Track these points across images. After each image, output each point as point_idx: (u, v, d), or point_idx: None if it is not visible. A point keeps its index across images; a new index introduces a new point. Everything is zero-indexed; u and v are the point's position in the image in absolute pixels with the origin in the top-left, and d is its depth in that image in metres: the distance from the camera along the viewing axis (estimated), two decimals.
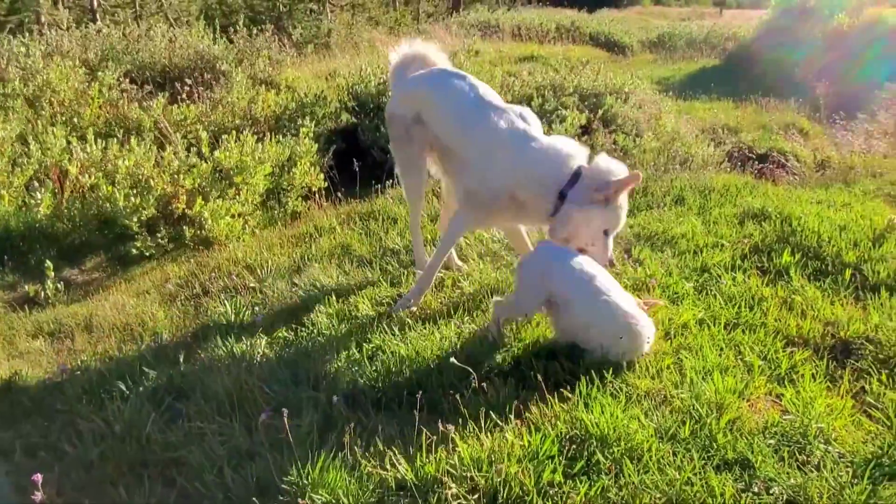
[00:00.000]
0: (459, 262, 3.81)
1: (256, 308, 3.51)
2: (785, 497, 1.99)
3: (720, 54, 13.92)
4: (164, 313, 3.64)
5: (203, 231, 4.66)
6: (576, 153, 3.11)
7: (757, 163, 6.29)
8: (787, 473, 2.06)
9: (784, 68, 10.63)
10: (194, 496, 2.12)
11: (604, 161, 3.08)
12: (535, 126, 3.25)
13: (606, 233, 3.08)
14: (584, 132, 6.23)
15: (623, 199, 3.06)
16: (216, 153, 4.98)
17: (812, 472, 2.07)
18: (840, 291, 3.35)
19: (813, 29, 11.66)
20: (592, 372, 2.57)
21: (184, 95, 6.99)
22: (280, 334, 3.18)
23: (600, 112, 6.45)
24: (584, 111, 6.36)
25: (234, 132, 5.30)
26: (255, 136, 5.43)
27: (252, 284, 3.82)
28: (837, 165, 6.03)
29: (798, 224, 4.08)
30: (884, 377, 2.59)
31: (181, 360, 2.89)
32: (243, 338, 3.09)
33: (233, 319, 3.32)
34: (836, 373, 2.69)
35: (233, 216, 4.83)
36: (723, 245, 3.99)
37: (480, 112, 3.23)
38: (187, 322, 3.50)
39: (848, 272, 3.48)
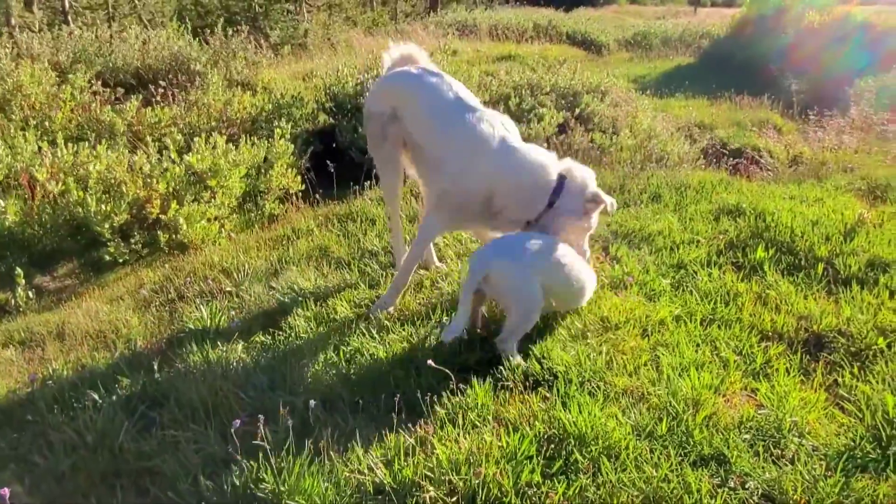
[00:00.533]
0: (438, 263, 3.80)
1: (233, 312, 3.46)
2: (760, 491, 2.01)
3: (695, 52, 14.06)
4: (138, 319, 3.58)
5: (178, 235, 4.60)
6: (552, 162, 3.15)
7: (731, 159, 6.36)
8: (763, 468, 2.08)
9: (757, 65, 10.77)
10: None
11: (578, 170, 3.16)
12: (514, 134, 3.27)
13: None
14: (562, 131, 6.25)
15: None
16: (187, 156, 4.91)
17: (787, 465, 2.09)
18: (813, 285, 3.40)
19: (785, 26, 11.83)
20: (571, 371, 2.57)
21: (158, 98, 6.89)
22: (257, 339, 3.14)
23: (577, 111, 6.47)
24: (561, 110, 6.39)
25: (205, 135, 5.23)
26: (231, 139, 5.37)
27: (228, 288, 3.77)
28: (810, 161, 6.12)
29: (772, 219, 4.13)
30: (855, 370, 2.63)
31: (155, 367, 2.84)
32: (219, 343, 3.05)
33: (209, 324, 3.27)
34: (809, 366, 2.72)
35: (208, 220, 4.77)
36: (699, 241, 4.03)
37: (458, 113, 3.21)
38: (162, 328, 3.44)
39: (820, 266, 3.53)
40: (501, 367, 2.66)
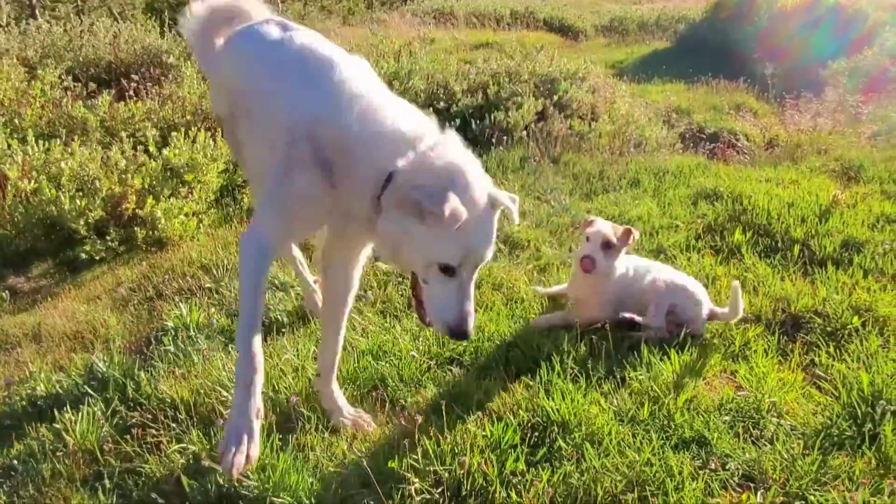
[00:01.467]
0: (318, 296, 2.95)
1: (213, 309, 3.42)
2: (741, 472, 2.04)
3: (671, 37, 14.08)
4: (116, 319, 3.52)
5: (156, 231, 4.52)
6: (418, 130, 1.98)
7: (708, 143, 6.41)
8: (743, 448, 2.11)
9: (733, 49, 10.81)
10: None
11: (446, 149, 1.94)
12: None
13: None
14: (540, 118, 6.25)
15: None
16: (165, 151, 4.83)
17: (766, 445, 2.13)
18: (789, 267, 3.45)
19: (759, 10, 11.90)
20: (553, 358, 2.59)
21: (131, 92, 6.75)
22: None
23: (555, 97, 6.46)
24: (539, 97, 6.37)
25: (183, 129, 5.15)
26: (208, 133, 5.29)
27: (208, 285, 3.73)
28: (785, 143, 6.18)
29: (748, 203, 4.18)
30: (831, 349, 2.68)
31: (135, 367, 2.80)
32: (200, 341, 3.02)
33: (188, 322, 3.23)
34: (787, 347, 2.77)
35: (186, 215, 4.70)
36: (677, 226, 4.07)
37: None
38: (141, 327, 3.39)
39: (797, 248, 3.58)
40: (484, 356, 2.66)
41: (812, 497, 1.89)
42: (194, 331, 3.13)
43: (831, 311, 2.93)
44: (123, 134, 5.29)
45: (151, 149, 4.81)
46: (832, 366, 2.56)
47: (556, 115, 6.27)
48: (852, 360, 2.56)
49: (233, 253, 4.17)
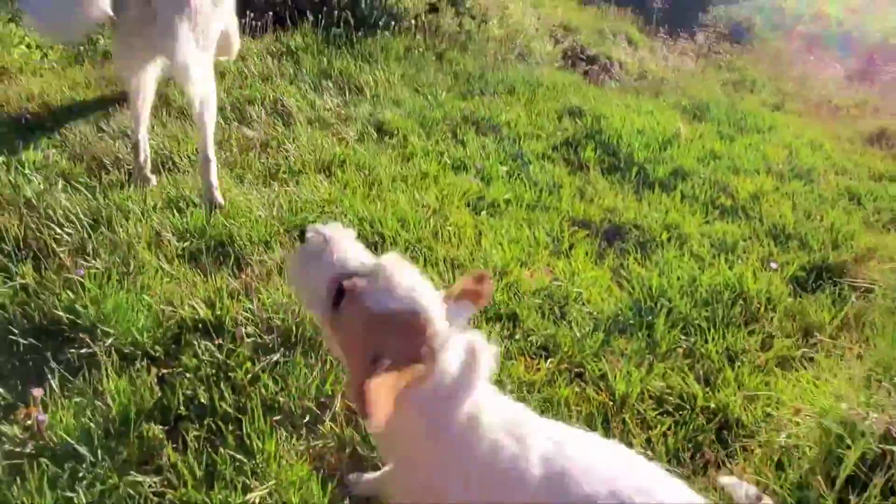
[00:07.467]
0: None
1: (53, 150, 3.21)
2: (540, 343, 2.38)
3: None
4: None
5: None
6: None
7: (587, 64, 6.69)
8: (545, 325, 2.44)
9: None
10: None
11: None
12: None
13: None
14: (432, 10, 6.14)
15: None
16: None
17: (565, 325, 2.48)
18: (625, 185, 3.83)
19: None
20: (399, 235, 2.76)
21: None
22: (81, 180, 2.97)
23: None
24: None
25: None
26: None
27: (49, 124, 3.46)
28: (653, 77, 6.61)
29: (605, 124, 4.51)
30: (639, 256, 3.09)
31: None
32: (35, 179, 2.86)
33: (24, 159, 3.02)
34: (605, 251, 3.14)
35: (28, 46, 4.23)
36: (540, 136, 4.32)
37: None
38: None
39: (635, 169, 3.98)
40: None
41: (589, 366, 2.27)
42: (29, 168, 2.94)
43: (647, 225, 3.34)
44: None
45: None
46: (635, 270, 2.96)
47: (448, 10, 6.19)
48: (652, 266, 2.98)
49: (82, 95, 3.87)
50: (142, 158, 2.98)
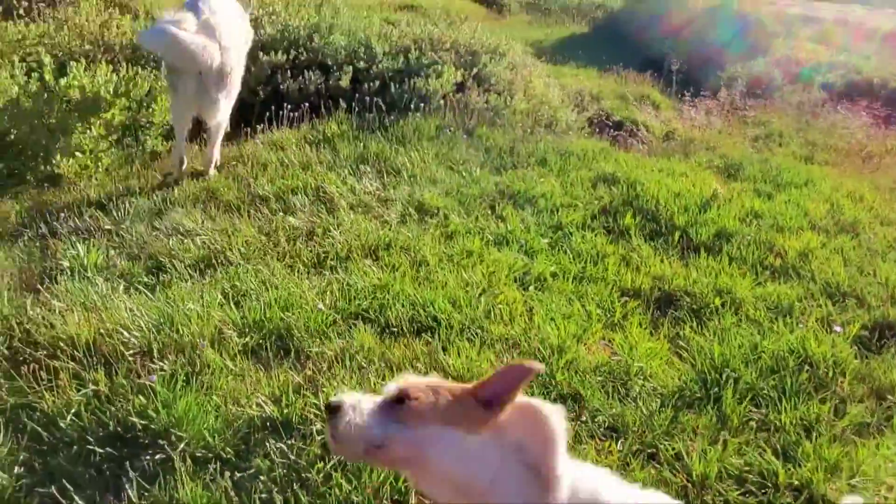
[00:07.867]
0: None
1: (112, 252, 3.34)
2: (607, 423, 2.33)
3: (590, 22, 14.58)
4: (4, 255, 3.36)
5: (49, 167, 4.28)
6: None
7: (613, 130, 6.81)
8: (611, 404, 2.40)
9: (645, 41, 11.40)
10: (48, 441, 2.07)
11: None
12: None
13: None
14: (459, 89, 6.37)
15: None
16: (63, 81, 4.54)
17: (630, 403, 2.43)
18: (669, 250, 3.82)
19: (671, 7, 12.55)
20: (453, 318, 2.78)
21: (21, 11, 6.21)
22: (140, 279, 3.08)
23: (475, 70, 6.59)
24: (460, 68, 6.48)
25: (83, 59, 4.84)
26: (111, 66, 5.00)
27: (107, 227, 3.62)
28: (680, 138, 6.68)
29: (641, 189, 4.54)
30: (695, 324, 3.04)
31: (27, 303, 2.72)
32: (99, 282, 2.96)
33: (86, 263, 3.15)
34: (658, 320, 3.11)
35: (83, 152, 4.47)
36: (577, 206, 4.36)
37: None
38: (33, 265, 3.26)
39: (677, 234, 3.97)
40: (388, 314, 2.81)
41: (662, 446, 2.20)
42: (92, 271, 3.06)
43: (698, 291, 3.31)
44: (15, 58, 4.90)
45: (47, 76, 4.50)
46: (693, 339, 2.91)
47: (474, 88, 6.41)
48: (710, 335, 2.93)
49: (135, 196, 4.05)
50: (183, 168, 4.32)
